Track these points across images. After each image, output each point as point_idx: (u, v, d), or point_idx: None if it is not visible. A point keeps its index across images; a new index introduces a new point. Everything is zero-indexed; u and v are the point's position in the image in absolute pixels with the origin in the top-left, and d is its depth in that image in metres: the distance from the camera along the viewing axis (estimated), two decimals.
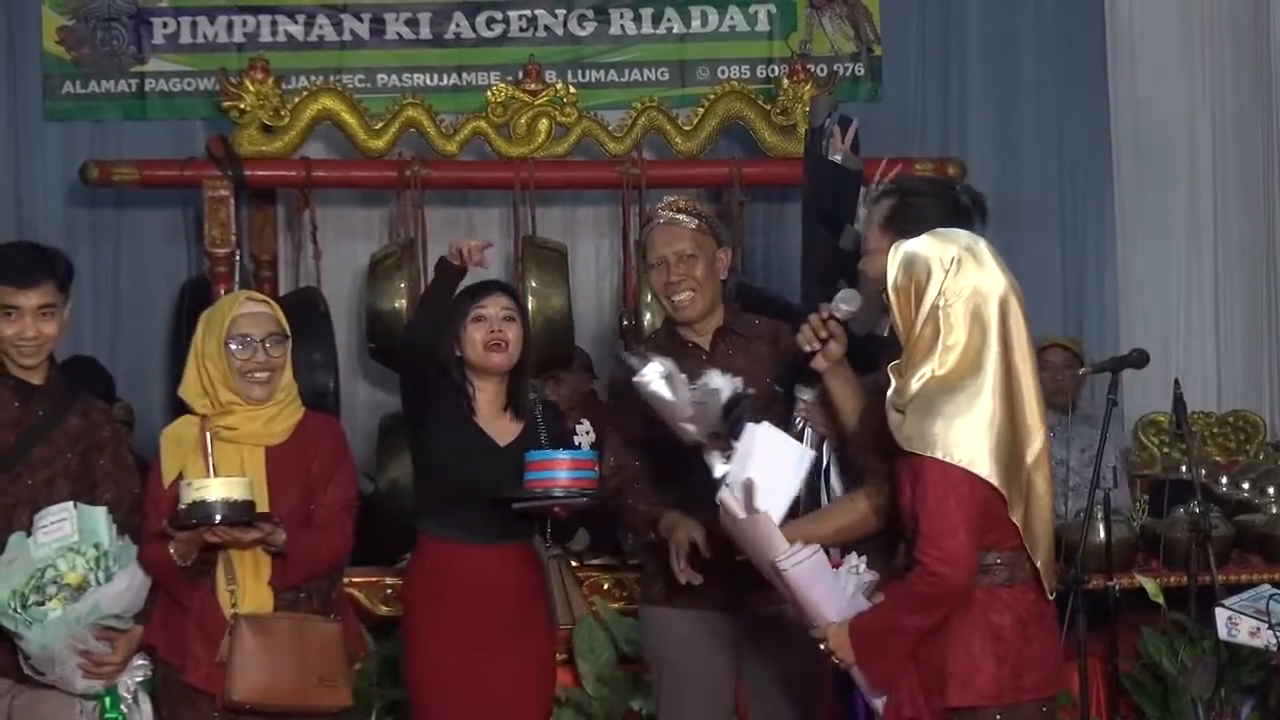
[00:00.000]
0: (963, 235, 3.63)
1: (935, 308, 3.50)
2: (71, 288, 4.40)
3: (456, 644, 4.45)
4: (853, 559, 3.71)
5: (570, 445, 4.64)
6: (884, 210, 3.98)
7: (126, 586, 4.11)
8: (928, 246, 3.56)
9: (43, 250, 4.40)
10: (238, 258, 6.68)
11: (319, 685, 4.13)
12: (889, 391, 3.56)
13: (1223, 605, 4.40)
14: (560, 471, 4.39)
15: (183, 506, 3.97)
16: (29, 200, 7.48)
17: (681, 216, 4.63)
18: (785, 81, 6.86)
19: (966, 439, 3.45)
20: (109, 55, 7.55)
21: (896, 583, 3.60)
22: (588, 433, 4.47)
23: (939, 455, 3.45)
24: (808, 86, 6.79)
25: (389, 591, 5.98)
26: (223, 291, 6.50)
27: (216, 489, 3.96)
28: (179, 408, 6.97)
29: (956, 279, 3.51)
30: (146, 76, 7.57)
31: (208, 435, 4.11)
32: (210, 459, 4.06)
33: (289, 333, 4.28)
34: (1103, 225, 7.75)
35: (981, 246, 3.59)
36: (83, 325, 7.43)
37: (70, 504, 4.15)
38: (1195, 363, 7.80)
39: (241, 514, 3.97)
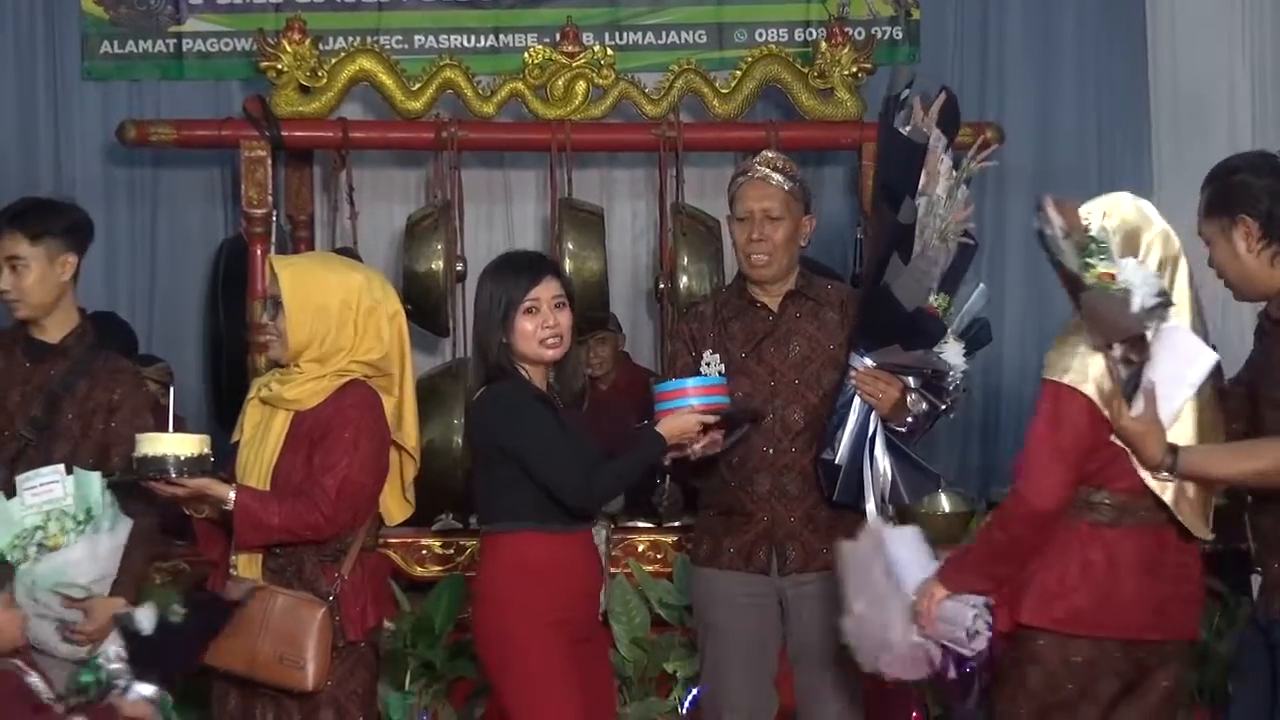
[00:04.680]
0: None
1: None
2: (76, 240, 4.51)
3: (561, 639, 4.19)
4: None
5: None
6: (1206, 199, 4.05)
7: (84, 555, 4.09)
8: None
9: (34, 202, 4.54)
10: (274, 218, 6.68)
11: (279, 662, 4.03)
12: None
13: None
14: (692, 398, 4.30)
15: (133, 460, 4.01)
16: (67, 160, 7.50)
17: (777, 175, 4.59)
18: (823, 45, 6.78)
19: (1076, 363, 3.68)
20: (146, 15, 7.54)
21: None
22: (707, 364, 4.46)
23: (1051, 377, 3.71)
24: (845, 50, 6.75)
25: (424, 552, 6.03)
26: (259, 252, 6.52)
27: (155, 444, 3.95)
28: (215, 367, 7.10)
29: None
30: (184, 36, 7.55)
31: (171, 391, 4.19)
32: (171, 416, 4.05)
33: (280, 301, 4.14)
34: (1140, 189, 7.66)
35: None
36: (119, 284, 7.48)
37: (61, 467, 4.15)
38: (1233, 331, 7.75)
39: (172, 470, 3.92)
